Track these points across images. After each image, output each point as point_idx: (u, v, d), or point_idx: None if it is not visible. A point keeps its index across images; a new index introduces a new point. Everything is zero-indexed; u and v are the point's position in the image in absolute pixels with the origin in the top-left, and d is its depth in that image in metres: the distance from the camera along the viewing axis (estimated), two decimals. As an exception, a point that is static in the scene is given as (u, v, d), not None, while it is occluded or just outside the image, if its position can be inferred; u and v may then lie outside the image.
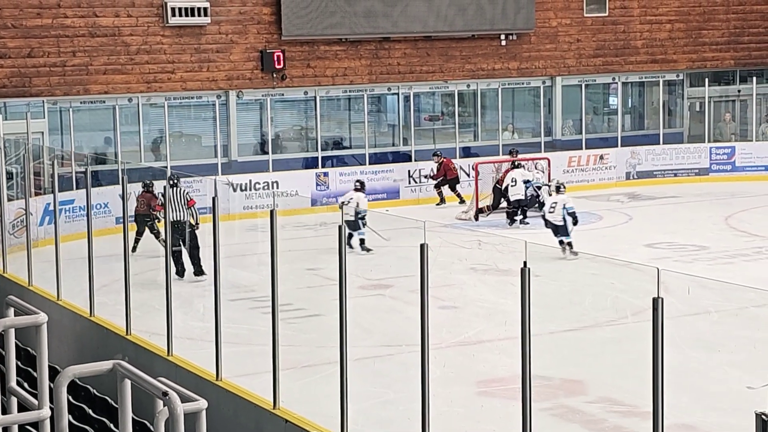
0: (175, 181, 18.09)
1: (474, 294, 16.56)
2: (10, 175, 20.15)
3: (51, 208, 17.32)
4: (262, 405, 10.30)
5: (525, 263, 7.36)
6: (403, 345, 12.82)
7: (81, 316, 14.01)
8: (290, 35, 25.75)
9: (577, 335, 14.49)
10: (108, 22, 24.23)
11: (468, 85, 28.23)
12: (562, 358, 13.12)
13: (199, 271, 17.77)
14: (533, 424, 7.57)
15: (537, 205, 23.63)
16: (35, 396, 6.75)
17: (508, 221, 23.27)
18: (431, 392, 8.46)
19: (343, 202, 21.65)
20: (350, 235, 19.83)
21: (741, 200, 25.93)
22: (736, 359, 12.72)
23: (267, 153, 26.07)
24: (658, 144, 29.48)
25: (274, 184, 25.14)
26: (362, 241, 20.07)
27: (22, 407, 6.88)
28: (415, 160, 27.10)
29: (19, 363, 10.99)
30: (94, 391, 11.18)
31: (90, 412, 10.61)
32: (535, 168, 25.17)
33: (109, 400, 10.65)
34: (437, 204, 26.01)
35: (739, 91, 30.63)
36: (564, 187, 20.61)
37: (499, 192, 23.82)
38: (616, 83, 29.91)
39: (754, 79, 30.08)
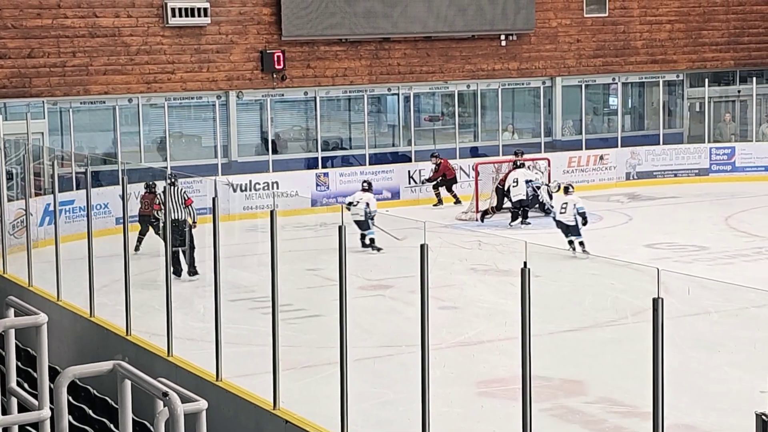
0: (173, 180, 18.11)
1: (474, 294, 16.56)
2: (10, 176, 20.15)
3: (51, 208, 17.31)
4: (262, 405, 10.30)
5: (525, 263, 7.37)
6: (403, 345, 12.82)
7: (81, 317, 14.01)
8: (290, 36, 25.74)
9: (577, 335, 14.49)
10: (108, 23, 24.23)
11: (468, 86, 28.22)
12: (562, 358, 13.12)
13: (192, 271, 17.77)
14: (533, 424, 7.57)
15: (537, 205, 23.68)
16: (35, 396, 6.75)
17: (513, 221, 23.26)
18: (431, 393, 8.46)
19: (350, 203, 21.67)
20: (362, 236, 20.06)
21: (741, 200, 25.91)
22: (736, 359, 12.71)
23: (269, 152, 26.08)
24: (658, 144, 29.47)
25: (274, 185, 25.13)
26: (372, 241, 20.15)
27: (23, 408, 6.88)
28: (415, 161, 27.09)
29: (19, 363, 10.99)
30: (95, 391, 11.17)
31: (90, 412, 10.61)
32: (535, 168, 25.17)
33: (110, 401, 10.65)
34: (434, 205, 25.99)
35: (739, 91, 30.62)
36: (572, 188, 20.71)
37: (502, 193, 23.81)
38: (616, 83, 29.90)
39: (754, 79, 30.07)
